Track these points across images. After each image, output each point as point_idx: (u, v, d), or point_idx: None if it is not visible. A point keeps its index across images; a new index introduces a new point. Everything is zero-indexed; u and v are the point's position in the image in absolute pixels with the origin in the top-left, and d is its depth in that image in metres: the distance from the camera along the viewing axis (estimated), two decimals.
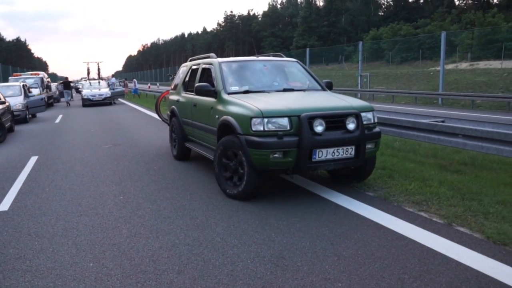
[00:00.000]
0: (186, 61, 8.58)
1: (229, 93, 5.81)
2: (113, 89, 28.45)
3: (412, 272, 3.30)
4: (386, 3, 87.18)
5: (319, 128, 4.89)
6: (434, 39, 37.57)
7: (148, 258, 3.67)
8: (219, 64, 6.38)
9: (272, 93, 5.90)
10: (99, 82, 29.10)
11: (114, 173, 7.04)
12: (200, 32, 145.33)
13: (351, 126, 5.08)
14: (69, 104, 27.00)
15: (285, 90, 6.19)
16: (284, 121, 4.88)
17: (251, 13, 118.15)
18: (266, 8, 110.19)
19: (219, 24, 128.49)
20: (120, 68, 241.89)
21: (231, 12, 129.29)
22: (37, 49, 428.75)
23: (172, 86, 8.59)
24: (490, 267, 3.35)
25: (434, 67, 34.39)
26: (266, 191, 5.63)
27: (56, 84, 32.53)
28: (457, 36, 42.36)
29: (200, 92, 6.11)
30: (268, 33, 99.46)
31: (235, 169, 5.30)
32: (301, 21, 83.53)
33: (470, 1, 66.64)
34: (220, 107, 5.73)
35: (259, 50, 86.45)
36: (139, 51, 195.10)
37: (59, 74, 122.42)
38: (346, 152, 5.06)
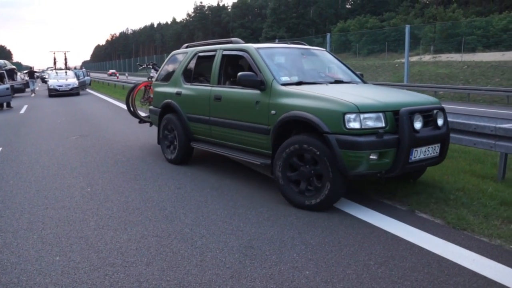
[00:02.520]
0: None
1: (282, 85, 4.98)
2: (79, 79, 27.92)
3: (377, 258, 3.41)
4: None
5: (418, 124, 4.34)
6: (399, 32, 38.30)
7: (116, 251, 3.65)
8: (257, 50, 5.46)
9: (330, 85, 5.23)
10: (66, 72, 28.36)
11: (81, 165, 6.92)
12: (169, 22, 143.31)
13: (440, 121, 4.65)
14: (34, 93, 26.33)
15: (336, 82, 5.57)
16: (380, 117, 4.23)
17: (221, 4, 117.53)
18: (235, 0, 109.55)
19: (188, 15, 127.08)
20: (88, 57, 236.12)
21: (201, 2, 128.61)
22: (0, 37, 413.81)
23: (156, 77, 7.54)
24: (450, 251, 3.50)
25: (399, 59, 35.12)
26: (235, 182, 5.66)
27: (20, 73, 31.62)
28: (420, 29, 43.44)
29: (244, 82, 5.11)
30: (238, 24, 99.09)
31: (309, 175, 4.52)
32: (270, 12, 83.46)
33: None
34: (276, 101, 4.86)
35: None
36: (107, 41, 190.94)
37: (24, 63, 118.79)
38: (434, 150, 4.58)
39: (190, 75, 6.61)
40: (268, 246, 3.66)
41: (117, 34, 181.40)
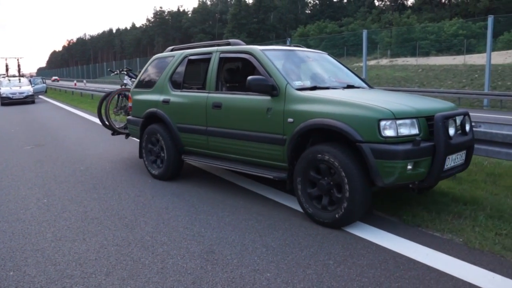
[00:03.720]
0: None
1: (297, 89, 4.55)
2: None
3: (336, 258, 3.50)
4: (312, 1, 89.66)
5: (451, 130, 4.08)
6: (357, 36, 39.32)
7: (75, 262, 3.57)
8: (263, 52, 4.99)
9: (346, 90, 4.92)
10: (19, 79, 27.47)
11: (37, 175, 6.72)
12: (128, 27, 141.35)
13: (467, 127, 4.44)
14: None
15: (348, 86, 5.19)
16: (414, 124, 3.92)
17: (181, 9, 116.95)
18: (196, 5, 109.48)
19: (148, 20, 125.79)
20: (43, 64, 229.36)
21: (161, 7, 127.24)
22: None
23: (135, 84, 6.83)
24: (405, 247, 3.64)
25: (358, 63, 35.89)
26: (196, 188, 5.65)
27: None
28: (377, 34, 44.77)
29: (255, 87, 4.59)
30: (198, 29, 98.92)
31: (329, 187, 4.15)
32: (231, 18, 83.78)
33: (388, 3, 70.31)
34: (292, 108, 4.40)
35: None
36: (64, 47, 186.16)
37: None
38: (461, 157, 4.33)
39: (179, 81, 5.99)
40: (229, 251, 3.68)
41: (74, 40, 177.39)
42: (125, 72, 9.85)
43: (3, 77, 29.71)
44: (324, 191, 4.18)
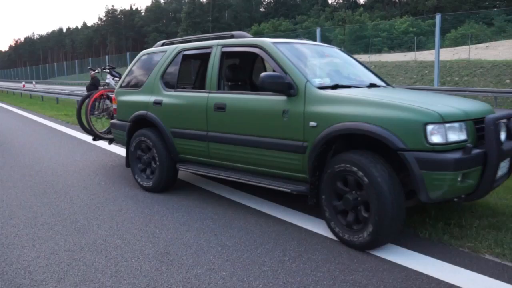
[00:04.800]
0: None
1: (319, 88, 3.97)
2: None
3: (291, 253, 3.54)
4: (266, 0, 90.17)
5: (502, 135, 3.58)
6: (311, 34, 39.78)
7: (24, 270, 3.45)
8: (276, 45, 4.37)
9: (372, 89, 4.36)
10: None
11: None
12: (80, 26, 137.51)
13: None
14: None
15: (371, 85, 4.60)
16: (463, 128, 3.39)
17: (134, 8, 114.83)
18: (149, 3, 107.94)
19: (100, 19, 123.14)
20: None
21: (113, 6, 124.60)
22: None
23: (120, 83, 6.17)
24: None
25: None
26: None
27: None
28: (331, 32, 45.64)
29: (270, 86, 3.96)
30: (152, 28, 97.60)
31: (355, 204, 3.59)
32: (185, 16, 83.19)
33: (341, 1, 71.79)
34: (314, 109, 3.81)
35: (143, 46, 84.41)
36: (11, 47, 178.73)
37: None
38: (506, 166, 3.74)
39: (173, 80, 5.35)
40: (184, 251, 3.66)
41: (22, 39, 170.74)
42: (108, 71, 9.13)
43: None
44: (350, 206, 3.63)
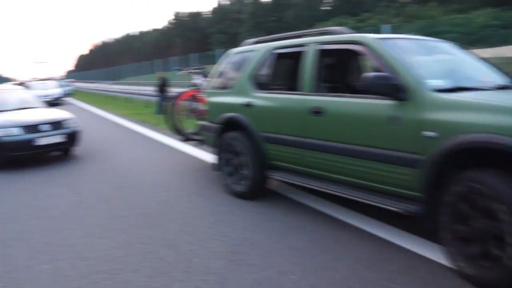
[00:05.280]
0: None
1: (436, 91, 3.37)
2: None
3: (365, 262, 3.43)
4: None
5: None
6: (378, 32, 38.93)
7: (103, 258, 3.66)
8: (380, 42, 3.86)
9: (502, 92, 3.70)
10: (47, 83, 28.04)
11: (66, 174, 6.90)
12: (149, 30, 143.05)
13: None
14: None
15: (503, 87, 3.87)
16: None
17: (199, 11, 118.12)
18: (213, 6, 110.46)
19: (169, 22, 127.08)
20: (72, 67, 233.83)
21: (179, 11, 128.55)
22: None
23: (210, 83, 5.99)
24: (439, 253, 3.56)
25: None
26: (218, 187, 5.69)
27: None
28: (399, 29, 43.97)
29: (376, 88, 3.52)
30: (216, 30, 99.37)
31: (483, 234, 2.94)
32: (248, 17, 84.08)
33: None
34: (433, 116, 3.24)
35: (207, 46, 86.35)
36: (90, 50, 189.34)
37: (5, 75, 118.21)
38: None
39: (264, 80, 5.05)
40: (253, 251, 3.70)
41: (99, 44, 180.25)
42: (198, 70, 8.95)
43: (34, 81, 30.29)
44: (476, 236, 3.00)
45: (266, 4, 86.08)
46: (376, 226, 4.16)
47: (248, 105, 5.02)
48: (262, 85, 5.04)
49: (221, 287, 3.13)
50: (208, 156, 7.48)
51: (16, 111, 8.44)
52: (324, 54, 4.42)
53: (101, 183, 6.21)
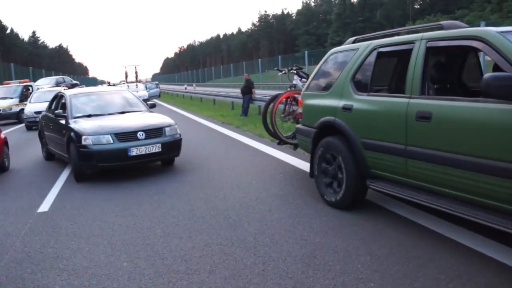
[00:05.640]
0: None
1: None
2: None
3: (448, 272, 3.20)
4: None
5: None
6: None
7: (181, 258, 3.71)
8: (506, 36, 3.36)
9: None
10: (136, 85, 29.76)
11: (148, 172, 7.17)
12: (235, 32, 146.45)
13: None
14: None
15: None
16: None
17: (285, 12, 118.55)
18: (300, 7, 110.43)
19: (253, 24, 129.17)
20: (158, 70, 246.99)
21: (265, 11, 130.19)
22: (79, 55, 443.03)
23: (307, 85, 5.68)
24: None
25: None
26: (298, 190, 5.58)
27: None
28: (499, 25, 41.04)
29: (499, 91, 3.12)
30: (303, 31, 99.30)
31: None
32: (335, 17, 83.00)
33: None
34: None
35: (294, 48, 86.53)
36: (175, 53, 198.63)
37: (99, 78, 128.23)
38: None
39: (366, 81, 4.66)
40: (332, 256, 3.57)
41: (185, 47, 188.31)
42: (295, 71, 8.67)
43: (122, 83, 32.36)
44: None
45: (354, 4, 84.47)
46: (462, 234, 3.85)
47: (347, 109, 4.64)
48: (363, 87, 4.63)
49: None
50: (291, 159, 7.44)
51: (115, 115, 7.69)
52: (434, 51, 3.99)
53: (183, 183, 6.37)
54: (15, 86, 19.15)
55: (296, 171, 6.71)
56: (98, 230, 4.58)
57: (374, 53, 4.54)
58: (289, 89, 8.40)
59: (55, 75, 35.12)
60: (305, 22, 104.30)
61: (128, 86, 29.10)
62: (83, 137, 6.68)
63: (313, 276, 3.26)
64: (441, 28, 3.95)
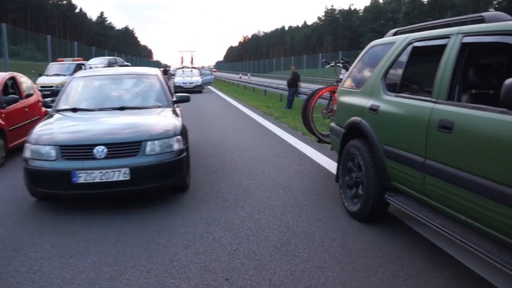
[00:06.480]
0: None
1: None
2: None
3: (409, 270, 3.25)
4: None
5: None
6: None
7: (166, 232, 4.02)
8: None
9: None
10: (191, 71, 30.59)
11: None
12: (300, 25, 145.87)
13: None
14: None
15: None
16: None
17: (352, 8, 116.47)
18: (368, 3, 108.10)
19: (319, 18, 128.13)
20: (221, 58, 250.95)
21: (332, 6, 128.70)
22: (143, 38, 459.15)
23: (343, 81, 5.30)
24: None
25: None
26: (304, 184, 5.69)
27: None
28: None
29: None
30: (368, 29, 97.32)
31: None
32: (403, 17, 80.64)
33: None
34: None
35: (359, 45, 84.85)
36: (240, 43, 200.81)
37: (163, 61, 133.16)
38: None
39: (398, 80, 4.06)
40: (305, 245, 3.73)
41: (249, 36, 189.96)
42: (341, 65, 8.12)
43: (179, 68, 33.38)
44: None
45: (424, 4, 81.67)
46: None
47: (373, 110, 4.14)
48: (394, 86, 4.07)
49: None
50: (314, 154, 7.48)
51: (108, 111, 5.50)
52: (469, 48, 3.26)
53: (199, 167, 6.61)
54: (69, 64, 19.81)
55: (312, 166, 6.71)
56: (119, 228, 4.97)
57: (409, 48, 3.95)
58: (335, 83, 7.96)
59: (117, 56, 36.61)
60: (371, 19, 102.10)
61: (183, 71, 30.00)
62: (25, 145, 4.66)
63: (278, 260, 3.43)
64: (482, 20, 3.27)
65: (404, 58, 4.00)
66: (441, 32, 3.59)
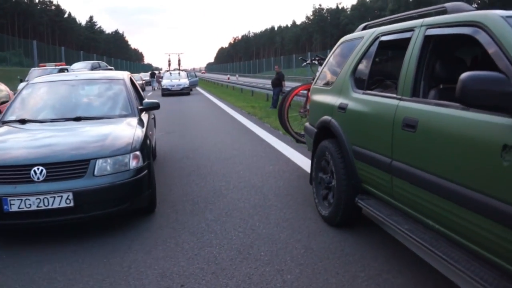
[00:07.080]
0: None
1: None
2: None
3: (370, 271, 3.20)
4: None
5: None
6: None
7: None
8: (508, 21, 2.41)
9: None
10: (179, 73, 30.47)
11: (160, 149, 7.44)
12: (289, 25, 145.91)
13: None
14: (155, 89, 34.38)
15: None
16: None
17: (340, 7, 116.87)
18: (355, 2, 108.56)
19: (307, 17, 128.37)
20: (212, 60, 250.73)
21: (320, 5, 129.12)
22: (134, 41, 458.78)
23: (316, 79, 5.14)
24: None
25: None
26: (277, 184, 5.63)
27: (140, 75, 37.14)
28: None
29: (477, 96, 2.19)
30: (356, 27, 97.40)
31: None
32: (389, 14, 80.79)
33: None
34: None
35: None
36: (230, 44, 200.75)
37: (154, 65, 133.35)
38: None
39: (364, 77, 3.94)
40: (268, 248, 3.65)
41: (239, 37, 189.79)
42: (317, 62, 7.89)
43: (166, 71, 33.70)
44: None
45: (409, 1, 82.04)
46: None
47: (342, 108, 3.98)
48: (362, 83, 3.92)
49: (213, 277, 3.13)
50: (293, 154, 7.43)
51: (61, 122, 4.89)
52: (434, 41, 3.08)
53: (175, 170, 6.55)
54: (51, 69, 19.57)
55: (288, 165, 6.66)
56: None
57: (377, 43, 3.79)
58: (311, 81, 7.88)
59: (101, 60, 37.28)
60: (359, 17, 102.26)
61: (170, 74, 29.89)
62: None
63: (238, 263, 3.37)
64: (445, 11, 3.08)
65: (371, 53, 3.85)
66: (406, 25, 3.44)
